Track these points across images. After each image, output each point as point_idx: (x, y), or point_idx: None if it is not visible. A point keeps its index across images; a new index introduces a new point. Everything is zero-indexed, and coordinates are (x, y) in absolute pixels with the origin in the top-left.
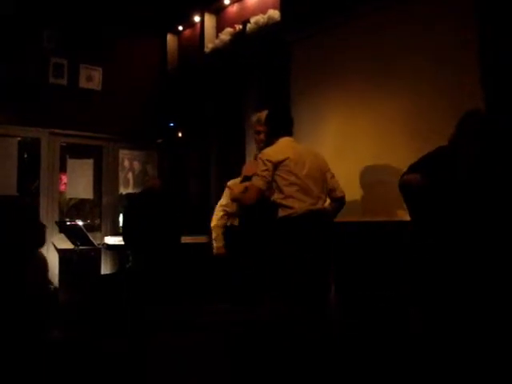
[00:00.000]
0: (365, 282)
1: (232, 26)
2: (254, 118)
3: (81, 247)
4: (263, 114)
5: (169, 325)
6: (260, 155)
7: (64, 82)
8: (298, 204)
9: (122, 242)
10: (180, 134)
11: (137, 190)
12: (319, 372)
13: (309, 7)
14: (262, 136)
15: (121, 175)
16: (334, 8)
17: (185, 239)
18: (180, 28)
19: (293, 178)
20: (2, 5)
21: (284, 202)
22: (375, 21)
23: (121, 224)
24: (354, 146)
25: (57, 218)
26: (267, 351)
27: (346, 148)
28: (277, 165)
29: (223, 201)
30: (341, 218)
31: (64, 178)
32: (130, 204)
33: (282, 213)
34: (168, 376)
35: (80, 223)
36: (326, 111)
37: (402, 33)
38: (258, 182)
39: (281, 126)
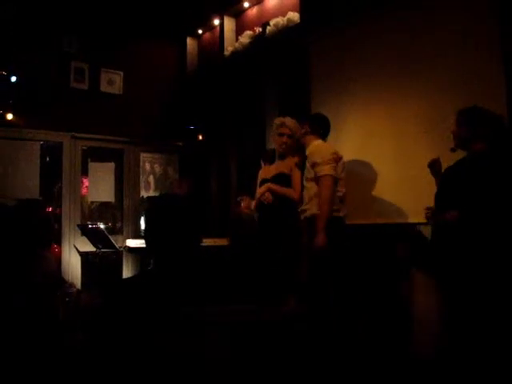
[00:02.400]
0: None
1: (252, 29)
2: (277, 121)
3: (102, 250)
4: (287, 119)
5: (177, 324)
6: (314, 148)
7: (85, 86)
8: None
9: (144, 245)
10: (200, 137)
11: (157, 193)
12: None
13: (328, 9)
14: (284, 139)
15: (142, 178)
16: (353, 9)
17: (205, 241)
18: (200, 31)
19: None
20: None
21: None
22: (394, 19)
23: (142, 227)
24: (374, 145)
25: (79, 221)
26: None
27: (366, 148)
28: (337, 161)
29: None
30: (358, 220)
31: (86, 182)
32: (150, 206)
33: (342, 212)
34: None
35: (102, 226)
36: (346, 111)
37: (422, 29)
38: (330, 170)
39: (326, 128)
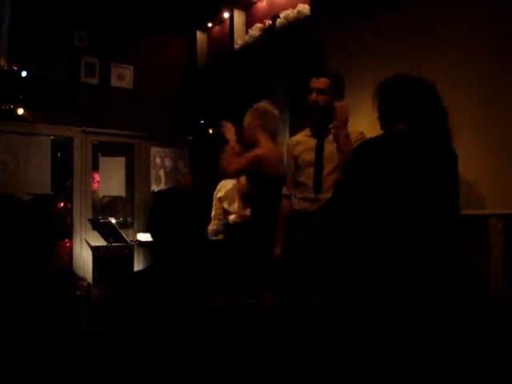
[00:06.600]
0: None
1: (262, 22)
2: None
3: (114, 244)
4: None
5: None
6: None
7: (95, 81)
8: None
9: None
10: (210, 131)
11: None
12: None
13: (338, 0)
14: None
15: (152, 173)
16: (364, 0)
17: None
18: (209, 25)
19: None
20: None
21: None
22: (408, 10)
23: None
24: None
25: (90, 216)
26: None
27: None
28: None
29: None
30: None
31: (97, 177)
32: (156, 199)
33: None
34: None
35: (113, 220)
36: (359, 104)
37: (441, 20)
38: None
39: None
